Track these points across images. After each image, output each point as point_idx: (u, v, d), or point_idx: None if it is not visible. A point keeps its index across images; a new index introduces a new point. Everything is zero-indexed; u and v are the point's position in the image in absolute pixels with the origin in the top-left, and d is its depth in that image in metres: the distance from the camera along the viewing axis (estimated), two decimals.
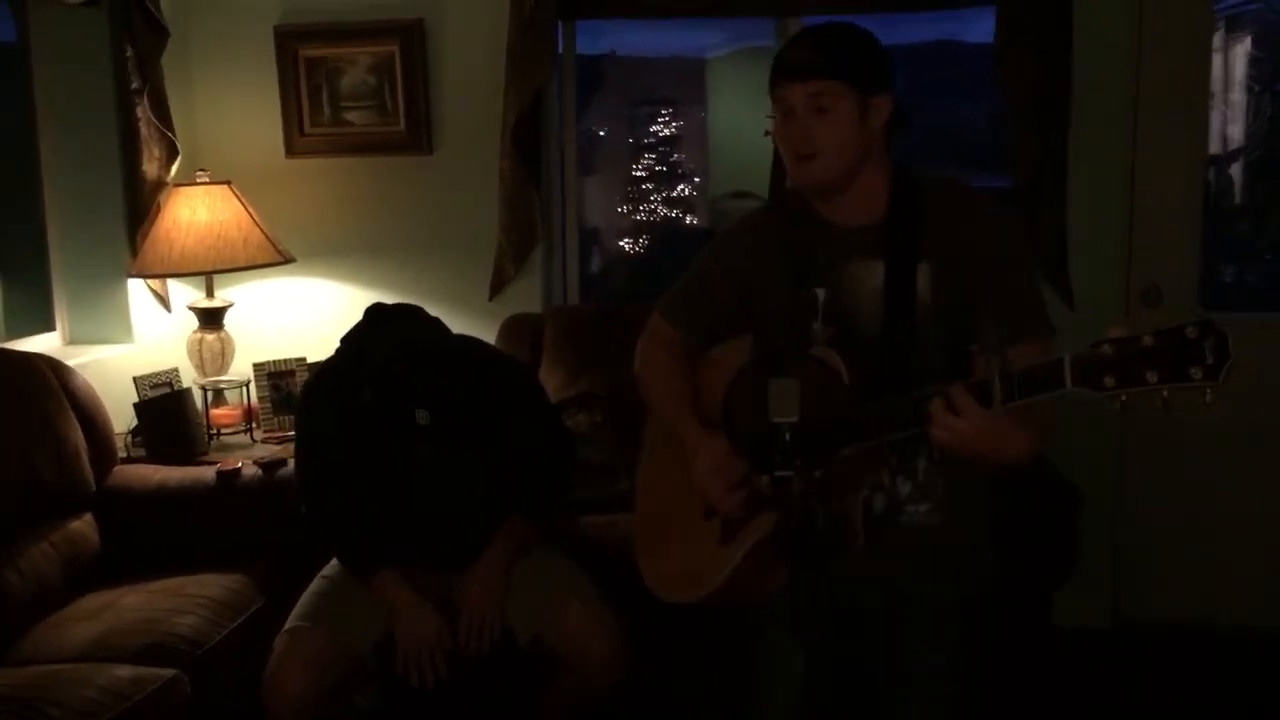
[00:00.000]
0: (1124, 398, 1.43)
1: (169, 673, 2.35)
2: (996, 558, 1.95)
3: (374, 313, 2.57)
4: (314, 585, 2.53)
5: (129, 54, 3.33)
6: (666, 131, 8.12)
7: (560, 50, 3.67)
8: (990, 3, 3.36)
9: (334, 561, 2.58)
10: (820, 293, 1.84)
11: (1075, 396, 1.47)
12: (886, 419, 1.65)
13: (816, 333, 1.84)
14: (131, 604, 2.62)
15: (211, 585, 2.72)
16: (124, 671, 2.30)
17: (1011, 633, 2.72)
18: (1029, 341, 1.70)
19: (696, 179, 8.21)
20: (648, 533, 2.11)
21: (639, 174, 8.05)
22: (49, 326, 3.55)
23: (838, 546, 1.77)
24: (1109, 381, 1.42)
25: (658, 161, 8.03)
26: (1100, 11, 3.33)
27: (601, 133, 7.85)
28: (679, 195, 8.22)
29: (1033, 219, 3.34)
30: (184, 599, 2.63)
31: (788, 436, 1.55)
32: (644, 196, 8.11)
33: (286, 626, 2.42)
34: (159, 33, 3.38)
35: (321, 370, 2.65)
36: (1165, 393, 1.40)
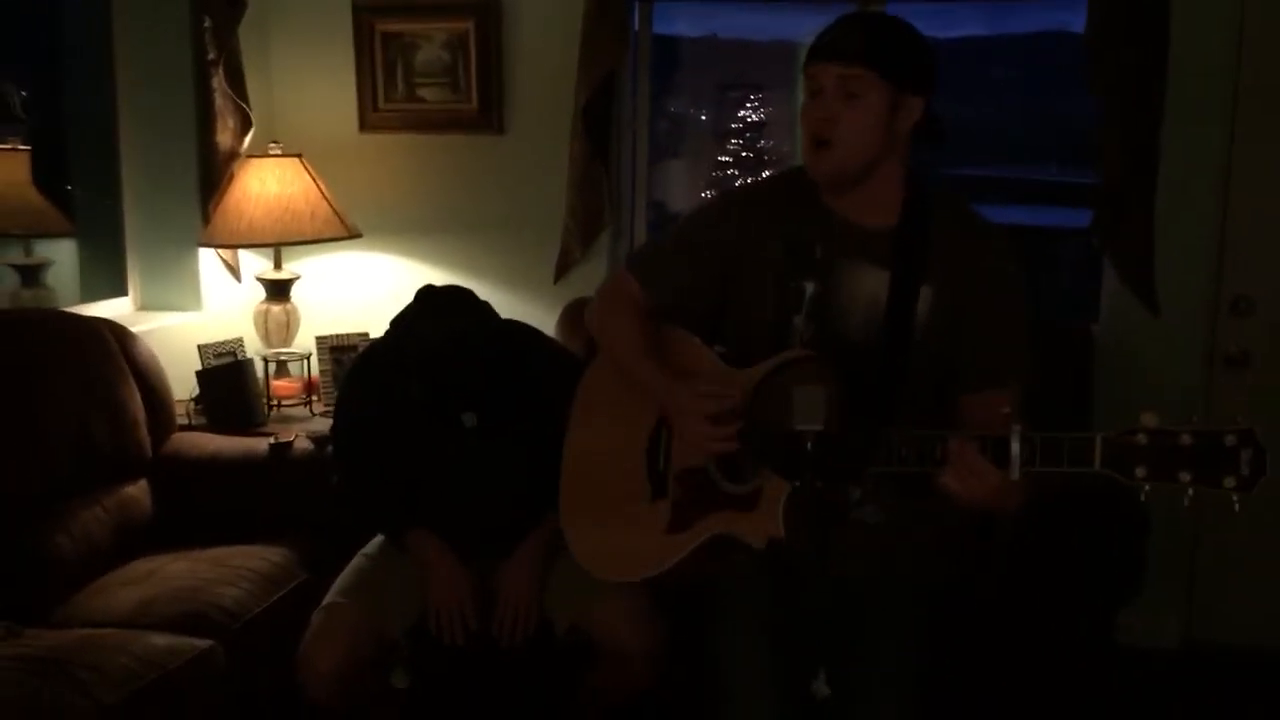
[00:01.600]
0: (1148, 489, 1.42)
1: (205, 643, 2.36)
2: (942, 558, 1.91)
3: (424, 296, 2.55)
4: (354, 563, 2.53)
5: (206, 24, 3.35)
6: (754, 117, 8.02)
7: (636, 31, 3.61)
8: None
9: (375, 540, 2.57)
10: (809, 286, 1.76)
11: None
12: (902, 451, 1.58)
13: (796, 328, 1.76)
14: (176, 571, 2.65)
15: (255, 557, 2.73)
16: (161, 640, 2.32)
17: (1074, 652, 2.61)
18: (995, 391, 1.66)
19: (782, 166, 8.11)
20: (578, 500, 2.06)
21: (724, 159, 7.97)
22: (122, 291, 3.61)
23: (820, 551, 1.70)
24: (1140, 472, 1.41)
25: (744, 147, 7.94)
26: (1200, 1, 3.15)
27: (690, 115, 7.79)
28: None
29: (1118, 219, 3.19)
30: (227, 569, 2.65)
31: (810, 445, 1.48)
32: (729, 182, 8.02)
33: (324, 603, 2.41)
34: (236, 4, 3.40)
35: (369, 352, 2.64)
36: (1191, 491, 1.41)
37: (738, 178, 7.88)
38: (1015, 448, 1.46)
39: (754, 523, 1.71)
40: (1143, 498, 1.42)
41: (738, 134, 7.94)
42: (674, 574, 1.84)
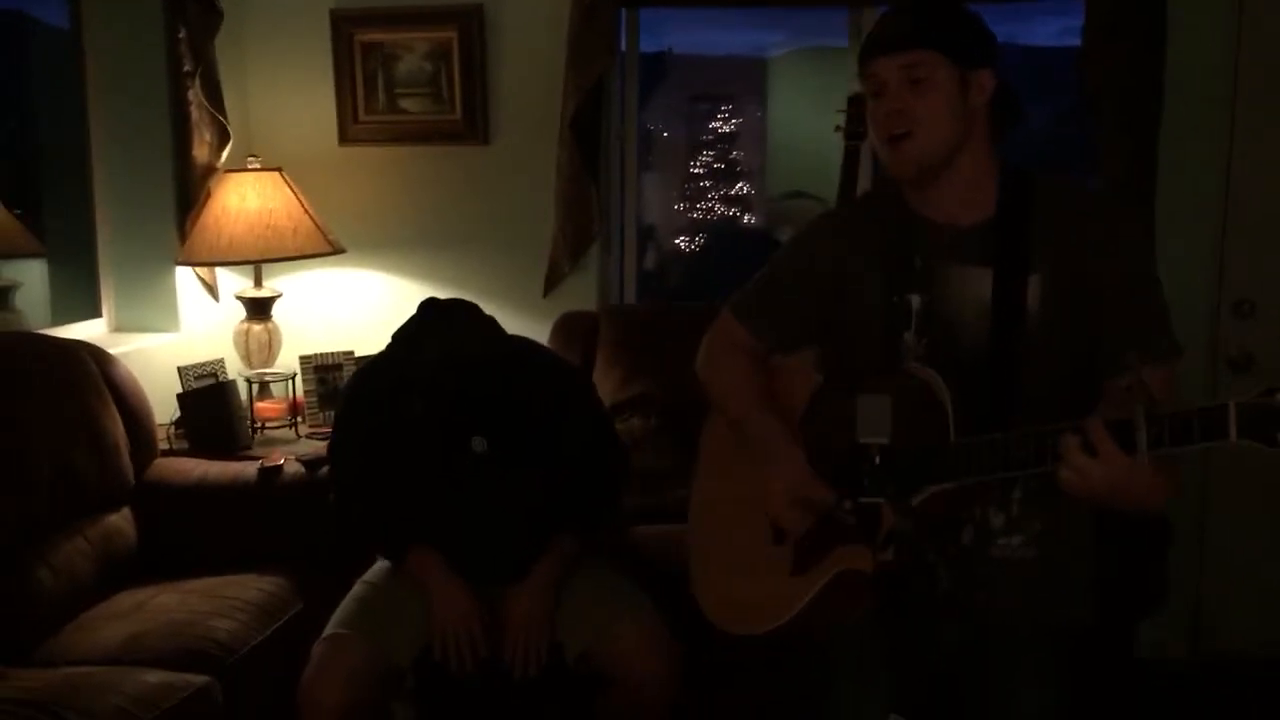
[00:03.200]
0: None
1: (201, 679, 2.25)
2: (1093, 594, 1.76)
3: (427, 309, 2.46)
4: (355, 590, 2.43)
5: (181, 35, 3.24)
6: (725, 129, 8.00)
7: (623, 41, 3.54)
8: None
9: (376, 566, 2.48)
10: (915, 300, 1.67)
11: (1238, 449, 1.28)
12: (1004, 454, 1.46)
13: (909, 345, 1.67)
14: (165, 604, 2.53)
15: (249, 587, 2.61)
16: (154, 677, 2.19)
17: (1093, 666, 2.55)
18: (1157, 366, 1.52)
19: (754, 178, 8.08)
20: (706, 556, 1.95)
21: (697, 171, 7.94)
22: (96, 313, 3.48)
23: (930, 583, 1.60)
24: None
25: (716, 159, 7.92)
26: (1197, 1, 3.13)
27: (660, 130, 7.75)
28: (736, 194, 8.09)
29: None
30: (220, 601, 2.53)
31: (877, 459, 1.39)
32: (701, 194, 8.00)
33: (325, 633, 2.31)
34: (212, 13, 3.29)
35: (370, 368, 2.55)
36: None
37: (710, 189, 7.86)
38: (1141, 427, 1.33)
39: (867, 551, 1.61)
40: None
41: (709, 145, 7.93)
42: (809, 623, 1.71)
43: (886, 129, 1.63)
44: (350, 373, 3.30)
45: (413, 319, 2.46)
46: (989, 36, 1.66)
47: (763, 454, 1.75)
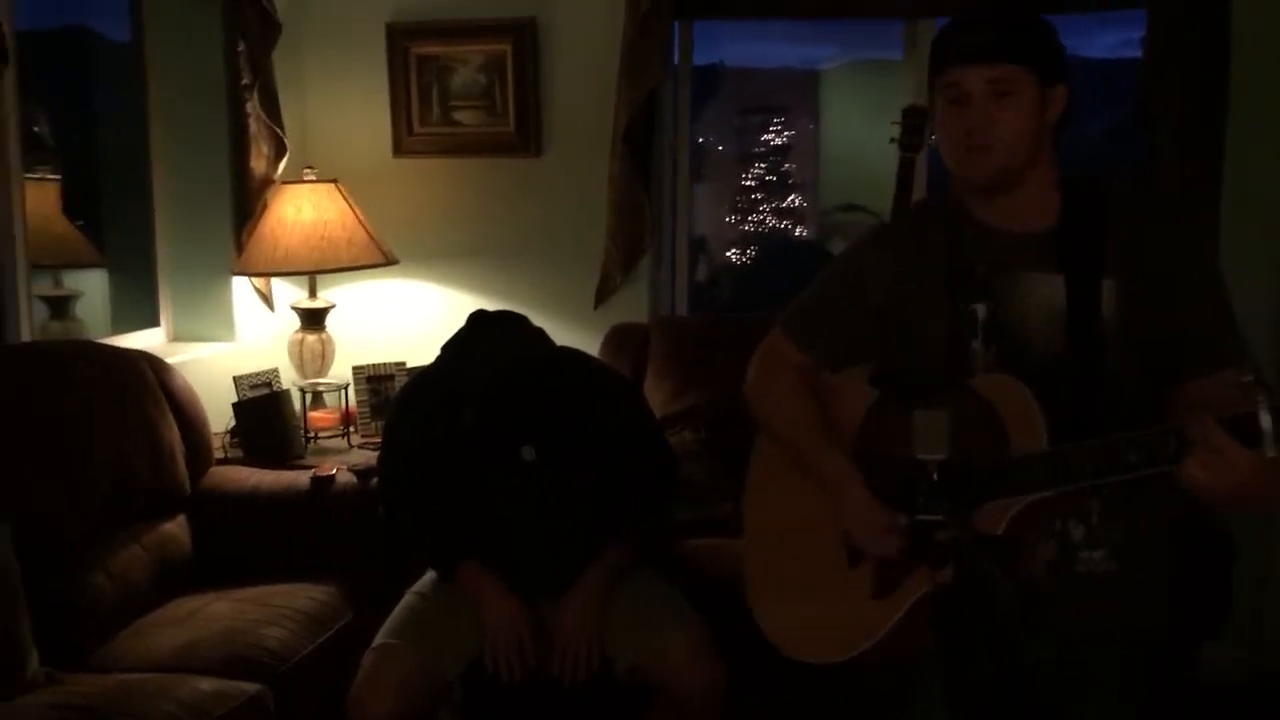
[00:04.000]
0: None
1: (253, 688, 2.26)
2: (1168, 607, 1.73)
3: (476, 321, 2.46)
4: (405, 600, 2.44)
5: (240, 48, 3.28)
6: (778, 141, 7.97)
7: (676, 53, 3.54)
8: (1139, 5, 3.14)
9: (426, 577, 2.48)
10: (980, 309, 1.65)
11: None
12: (1129, 456, 1.43)
13: (976, 354, 1.65)
14: (218, 612, 2.55)
15: (300, 596, 2.63)
16: (206, 685, 2.21)
17: (1161, 686, 2.49)
18: (1230, 368, 1.49)
19: (806, 191, 8.05)
20: (768, 577, 1.90)
21: (748, 184, 7.91)
22: (154, 322, 3.53)
23: (1007, 604, 1.57)
24: None
25: (768, 171, 7.89)
26: (1261, 9, 3.06)
27: (714, 144, 7.74)
28: (788, 206, 8.06)
29: None
30: (271, 610, 2.55)
31: (935, 475, 1.37)
32: (753, 207, 7.97)
33: (375, 643, 2.32)
34: (271, 27, 3.34)
35: (419, 379, 2.56)
36: None
37: (762, 201, 7.83)
38: (1265, 419, 1.29)
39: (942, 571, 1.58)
40: None
41: (760, 158, 7.90)
42: (894, 648, 1.67)
43: (965, 140, 1.62)
44: (402, 383, 3.32)
45: (461, 330, 2.47)
46: (1064, 51, 1.65)
47: (823, 479, 1.73)
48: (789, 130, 8.03)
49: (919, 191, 3.12)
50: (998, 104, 1.58)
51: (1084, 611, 1.65)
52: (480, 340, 2.43)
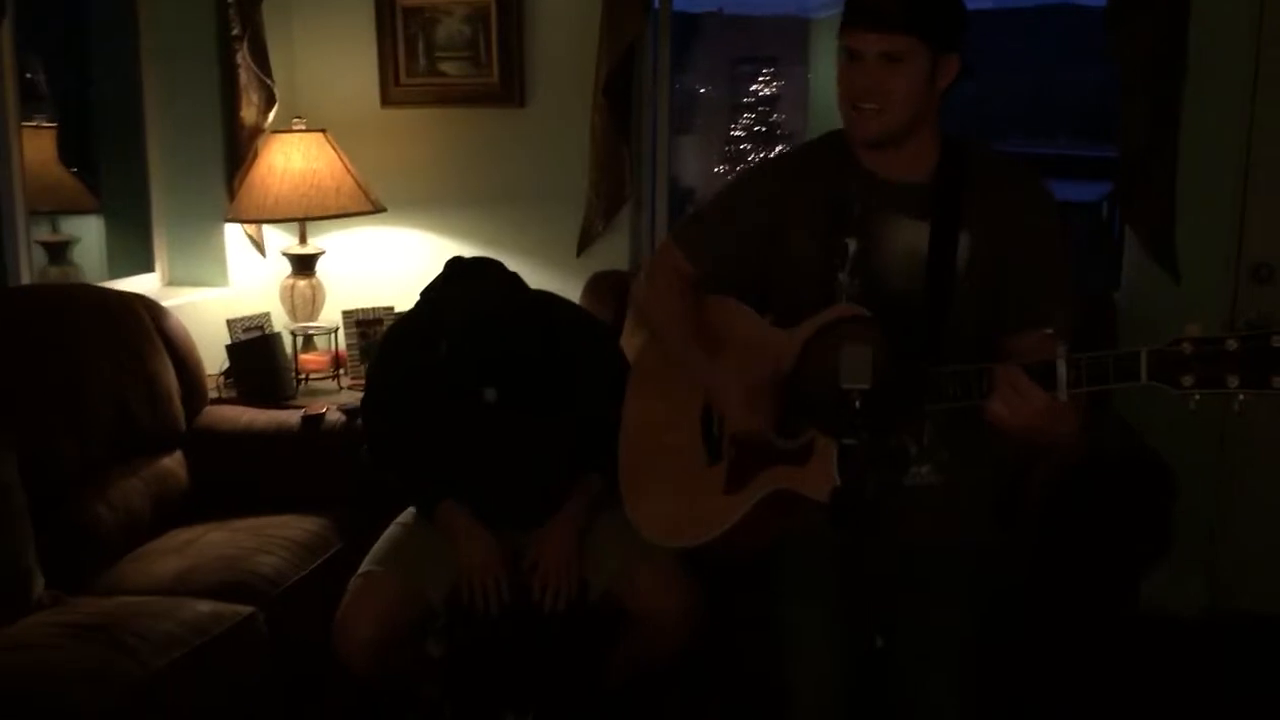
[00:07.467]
0: (1198, 397, 1.42)
1: (246, 610, 2.40)
2: (994, 520, 1.94)
3: (452, 267, 2.57)
4: (390, 531, 2.55)
5: (230, 0, 3.36)
6: (767, 91, 8.01)
7: (656, 3, 3.61)
8: None
9: (410, 509, 2.60)
10: (851, 243, 1.80)
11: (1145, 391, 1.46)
12: (949, 388, 1.62)
13: (842, 285, 1.81)
14: (214, 541, 2.69)
15: (292, 526, 2.77)
16: (204, 606, 2.35)
17: (1096, 619, 2.63)
18: (1040, 329, 1.68)
19: (795, 141, 8.11)
20: (638, 469, 2.10)
21: (737, 133, 7.97)
22: (149, 268, 3.63)
23: (883, 511, 1.74)
24: (1187, 381, 1.42)
25: (757, 121, 7.94)
26: None
27: (701, 90, 7.77)
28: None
29: (1139, 188, 3.20)
30: (265, 539, 2.69)
31: (858, 404, 1.51)
32: (742, 156, 8.03)
33: (360, 570, 2.44)
34: None
35: (398, 325, 2.67)
36: (1242, 396, 1.40)
37: (750, 152, 7.87)
38: (1061, 368, 1.49)
39: (810, 475, 1.75)
40: (1192, 406, 1.43)
41: (749, 108, 7.94)
42: (739, 538, 1.86)
43: (855, 99, 1.74)
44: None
45: (439, 277, 2.57)
46: (964, 21, 1.76)
47: (697, 374, 1.91)
48: (779, 80, 8.06)
49: None
50: (889, 69, 1.70)
51: (916, 521, 1.82)
52: (456, 286, 2.53)
